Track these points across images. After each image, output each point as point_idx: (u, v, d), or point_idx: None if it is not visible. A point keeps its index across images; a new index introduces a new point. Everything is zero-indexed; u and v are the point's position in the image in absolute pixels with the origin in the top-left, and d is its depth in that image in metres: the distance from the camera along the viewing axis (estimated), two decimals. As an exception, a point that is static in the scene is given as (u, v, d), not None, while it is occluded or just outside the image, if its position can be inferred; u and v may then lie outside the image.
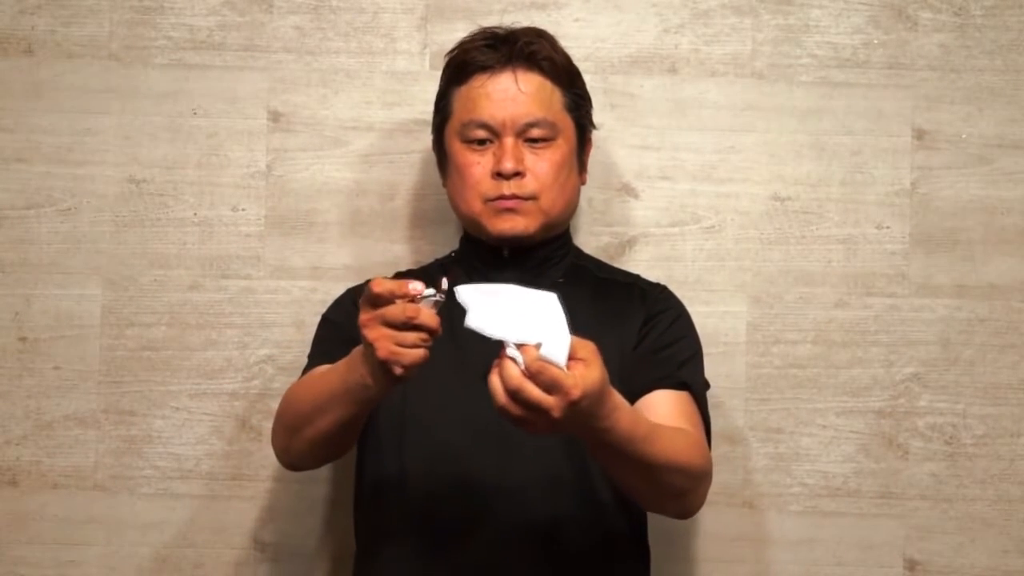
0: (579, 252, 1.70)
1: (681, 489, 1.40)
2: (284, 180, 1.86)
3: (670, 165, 1.87)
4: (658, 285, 1.67)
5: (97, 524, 1.85)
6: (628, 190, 1.87)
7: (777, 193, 1.87)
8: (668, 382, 1.49)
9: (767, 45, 1.86)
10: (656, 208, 1.87)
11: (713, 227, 1.87)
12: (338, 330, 1.59)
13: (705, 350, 1.71)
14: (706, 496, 1.47)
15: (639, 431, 1.27)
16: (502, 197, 1.55)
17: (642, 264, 1.85)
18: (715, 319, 1.85)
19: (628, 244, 1.86)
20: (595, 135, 1.71)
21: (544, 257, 1.62)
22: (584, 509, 1.52)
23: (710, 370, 1.72)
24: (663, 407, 1.44)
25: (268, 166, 1.86)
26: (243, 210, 1.86)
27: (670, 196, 1.87)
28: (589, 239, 1.86)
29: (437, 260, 1.73)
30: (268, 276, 1.85)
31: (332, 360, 1.48)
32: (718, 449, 1.83)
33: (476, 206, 1.57)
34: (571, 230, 1.71)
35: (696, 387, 1.55)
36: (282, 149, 1.86)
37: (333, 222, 1.86)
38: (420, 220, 1.87)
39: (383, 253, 1.85)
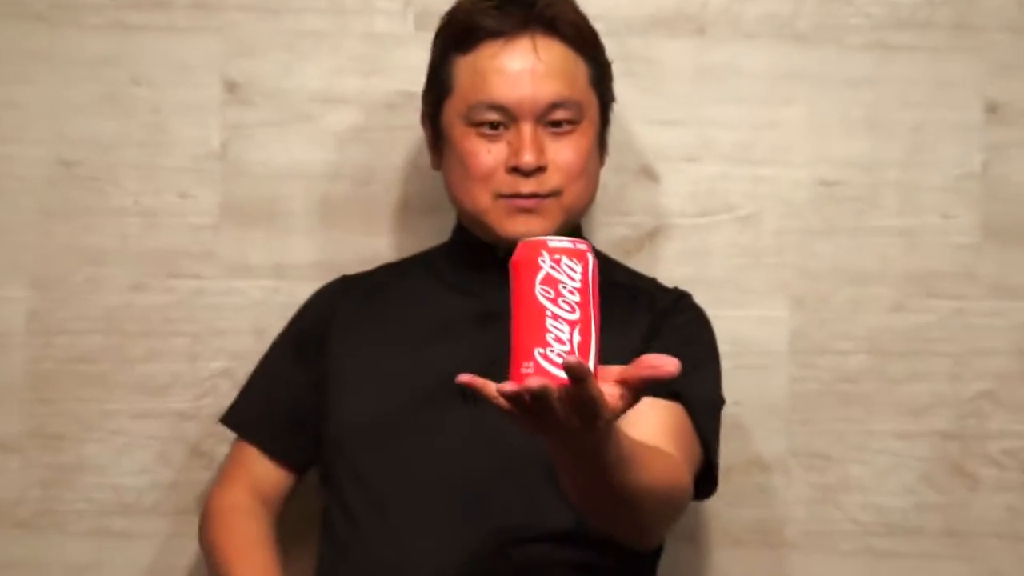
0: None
1: (651, 521, 1.41)
2: (242, 161, 1.86)
3: (697, 144, 1.86)
4: (673, 290, 1.67)
5: (20, 569, 1.85)
6: (648, 173, 1.87)
7: (824, 177, 1.86)
8: (655, 390, 1.45)
9: (811, 2, 1.87)
10: (681, 194, 1.87)
11: (748, 217, 1.86)
12: (289, 357, 1.66)
13: (740, 362, 1.77)
14: (667, 529, 1.49)
15: (623, 455, 1.27)
16: (519, 195, 1.55)
17: (665, 261, 1.85)
18: (751, 325, 1.85)
19: (648, 237, 1.86)
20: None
21: None
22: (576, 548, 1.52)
23: (745, 385, 1.79)
24: (645, 419, 1.43)
25: (223, 145, 1.86)
26: (193, 197, 1.86)
27: (697, 180, 1.86)
28: (602, 232, 1.85)
29: (421, 253, 1.73)
30: (223, 275, 1.86)
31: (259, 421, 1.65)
32: (752, 479, 1.84)
33: (483, 202, 1.56)
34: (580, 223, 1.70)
35: (693, 399, 1.53)
36: (239, 125, 1.86)
37: (300, 211, 1.86)
38: (403, 208, 1.86)
39: (359, 248, 1.84)
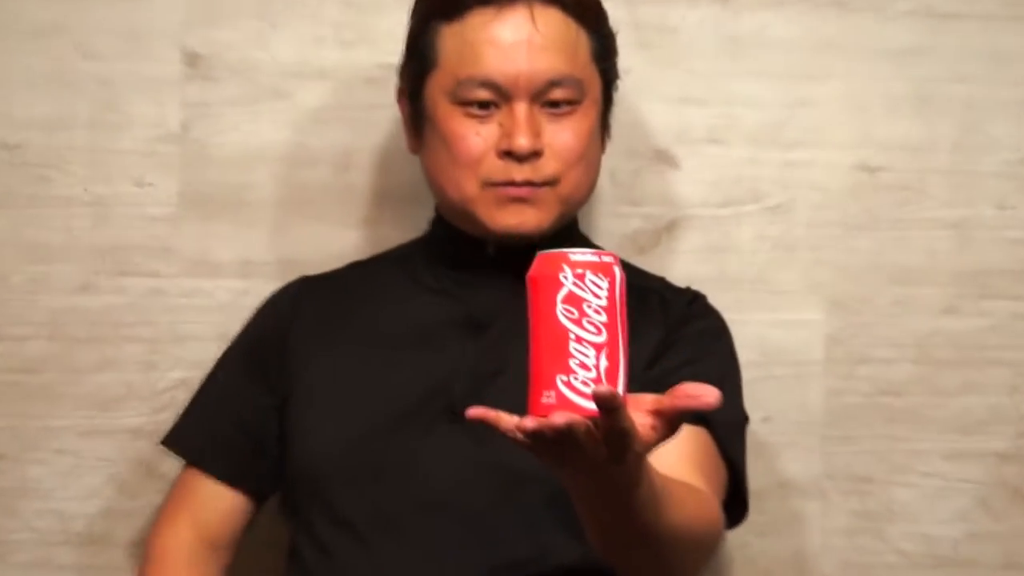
0: (586, 244, 1.66)
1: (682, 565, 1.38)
2: (204, 145, 1.82)
3: (721, 124, 1.82)
4: (686, 291, 1.64)
5: (-46, 606, 1.81)
6: (664, 158, 1.82)
7: (865, 161, 1.83)
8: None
9: (850, -36, 1.86)
10: (702, 182, 1.83)
11: (779, 207, 1.83)
12: (243, 372, 1.62)
13: (769, 372, 1.77)
14: (696, 574, 1.45)
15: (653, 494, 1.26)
16: (511, 183, 1.51)
17: (683, 257, 1.82)
18: (782, 330, 1.81)
19: (665, 230, 1.82)
20: (621, 83, 1.65)
21: None
22: None
23: (775, 399, 1.78)
24: (667, 447, 1.38)
25: (183, 126, 1.82)
26: (150, 185, 1.81)
27: (721, 165, 1.82)
28: (612, 224, 1.81)
29: (394, 250, 1.69)
30: (183, 273, 1.82)
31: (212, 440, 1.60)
32: (783, 504, 1.81)
33: (470, 190, 1.52)
34: (586, 214, 1.70)
35: (717, 421, 1.50)
36: (202, 103, 1.81)
37: (271, 201, 1.81)
38: (386, 198, 1.81)
39: (336, 242, 1.80)
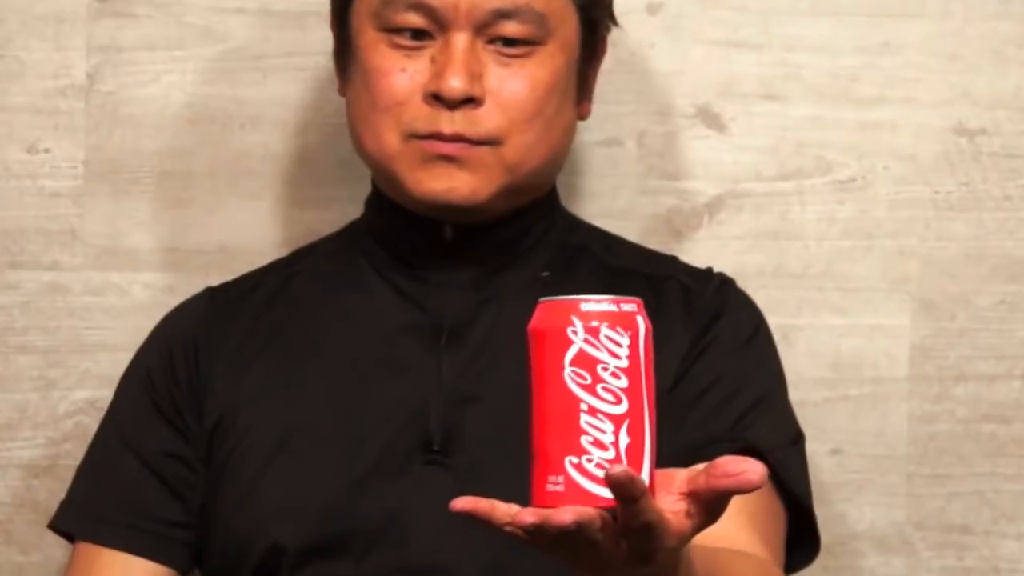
0: (572, 222, 1.55)
1: None
2: (118, 100, 1.67)
3: (779, 75, 1.67)
4: (709, 275, 1.50)
5: None
6: (708, 118, 1.68)
7: (962, 123, 1.67)
8: (723, 447, 1.33)
9: None
10: (755, 148, 1.68)
11: (853, 181, 1.67)
12: (146, 418, 1.44)
13: (842, 393, 1.67)
14: None
15: None
16: (438, 136, 1.37)
17: (730, 244, 1.67)
18: (857, 339, 1.66)
19: (708, 210, 1.67)
20: (652, 26, 1.59)
21: (514, 238, 1.46)
22: None
23: (848, 426, 1.66)
24: None
25: (90, 76, 1.68)
26: (46, 151, 1.68)
27: (779, 128, 1.67)
28: (640, 202, 1.67)
29: (326, 239, 1.54)
30: (91, 265, 1.69)
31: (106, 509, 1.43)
32: (859, 561, 1.67)
33: (390, 143, 1.39)
34: (607, 189, 1.63)
35: (771, 448, 1.38)
36: (114, 47, 1.67)
37: (201, 172, 1.67)
38: (347, 169, 1.63)
39: (284, 225, 1.66)
